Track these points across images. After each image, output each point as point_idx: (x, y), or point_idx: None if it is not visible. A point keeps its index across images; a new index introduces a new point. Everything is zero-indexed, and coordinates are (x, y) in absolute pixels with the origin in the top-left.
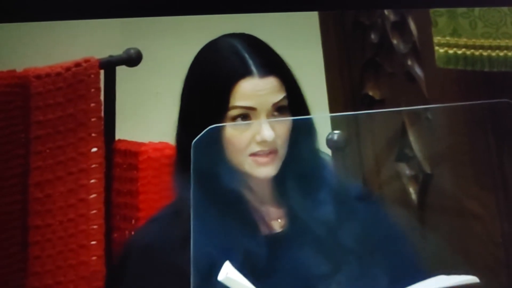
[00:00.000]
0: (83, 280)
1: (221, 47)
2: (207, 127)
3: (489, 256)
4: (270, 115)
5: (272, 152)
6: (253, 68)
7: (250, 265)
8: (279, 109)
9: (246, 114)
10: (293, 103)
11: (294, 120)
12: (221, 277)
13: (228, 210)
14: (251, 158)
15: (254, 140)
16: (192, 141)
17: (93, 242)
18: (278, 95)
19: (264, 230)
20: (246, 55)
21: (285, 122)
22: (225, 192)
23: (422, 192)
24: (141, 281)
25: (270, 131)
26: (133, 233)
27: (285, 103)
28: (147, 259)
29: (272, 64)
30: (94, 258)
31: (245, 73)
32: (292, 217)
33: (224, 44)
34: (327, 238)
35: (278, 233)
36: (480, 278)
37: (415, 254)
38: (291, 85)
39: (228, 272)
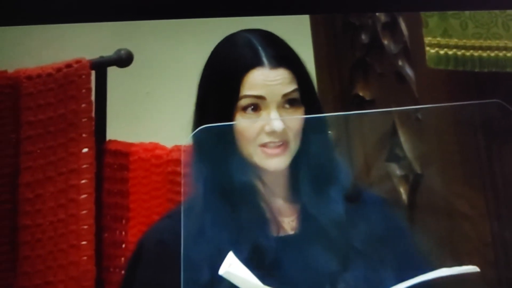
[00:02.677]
0: (73, 280)
1: (236, 40)
2: (219, 116)
3: (478, 255)
4: (280, 106)
5: (283, 144)
6: (264, 59)
7: (257, 266)
8: (290, 102)
9: (256, 104)
10: (305, 96)
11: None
12: (222, 271)
13: (239, 205)
14: (260, 149)
15: (263, 130)
16: None
17: (84, 242)
18: (289, 87)
19: (274, 230)
20: (259, 47)
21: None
22: (236, 185)
23: (413, 192)
24: (155, 277)
25: (279, 121)
26: (148, 229)
27: (297, 95)
28: (161, 255)
29: (284, 56)
30: (84, 258)
31: (256, 63)
32: (304, 219)
33: (240, 37)
34: (340, 242)
35: (289, 235)
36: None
37: (424, 255)
38: (302, 78)
39: (230, 264)
